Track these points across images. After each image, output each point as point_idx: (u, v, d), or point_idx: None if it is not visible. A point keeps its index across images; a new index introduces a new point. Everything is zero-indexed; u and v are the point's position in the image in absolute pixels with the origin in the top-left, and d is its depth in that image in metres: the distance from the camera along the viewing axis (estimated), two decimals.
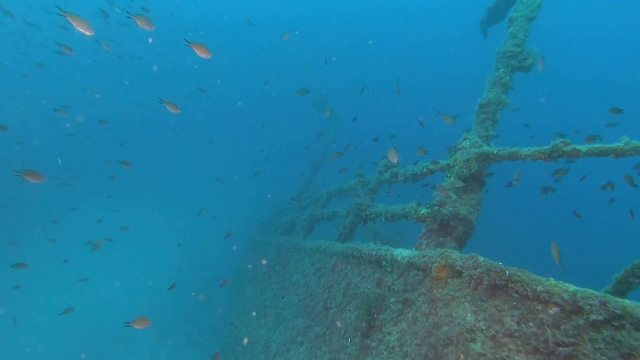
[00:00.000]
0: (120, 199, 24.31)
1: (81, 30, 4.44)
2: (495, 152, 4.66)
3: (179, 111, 5.54)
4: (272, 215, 15.41)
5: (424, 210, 5.08)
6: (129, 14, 4.98)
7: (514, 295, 3.06)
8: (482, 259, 3.52)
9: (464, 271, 3.56)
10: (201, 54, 4.82)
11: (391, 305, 4.27)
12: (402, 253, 4.56)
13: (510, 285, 3.11)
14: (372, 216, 6.60)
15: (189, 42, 4.67)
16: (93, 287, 18.47)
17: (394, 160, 5.54)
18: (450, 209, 4.80)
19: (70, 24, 4.32)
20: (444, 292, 3.68)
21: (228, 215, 25.95)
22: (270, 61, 46.26)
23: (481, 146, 5.08)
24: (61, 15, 4.17)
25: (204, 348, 16.62)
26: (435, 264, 3.86)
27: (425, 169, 5.88)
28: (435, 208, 4.72)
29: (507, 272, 3.18)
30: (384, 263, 4.79)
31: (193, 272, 22.24)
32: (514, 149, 4.50)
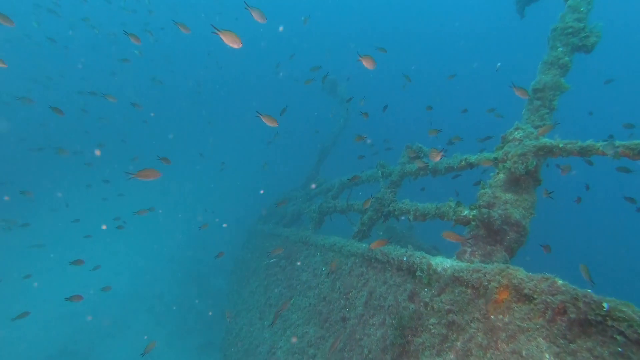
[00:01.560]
0: (125, 182, 23.58)
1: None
2: (561, 145, 3.85)
3: (277, 124, 5.22)
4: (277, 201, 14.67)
5: (466, 212, 4.30)
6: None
7: (618, 338, 2.31)
8: (561, 282, 2.75)
9: (535, 296, 2.80)
10: (231, 43, 4.40)
11: (431, 327, 3.53)
12: (444, 263, 3.80)
13: (610, 323, 2.35)
14: (396, 213, 5.83)
15: (217, 30, 4.25)
16: (89, 269, 17.89)
17: (436, 159, 4.72)
18: (500, 211, 4.02)
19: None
20: (507, 321, 2.93)
21: (229, 201, 25.33)
22: (286, 46, 44.83)
23: (537, 138, 4.27)
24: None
25: (201, 334, 16.15)
26: (494, 283, 3.10)
27: (463, 162, 5.08)
28: (485, 211, 3.94)
29: (604, 304, 2.41)
30: (419, 273, 4.03)
31: (192, 257, 21.71)
32: (588, 142, 3.69)
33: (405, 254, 4.43)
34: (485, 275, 3.19)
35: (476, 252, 3.96)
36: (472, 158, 4.90)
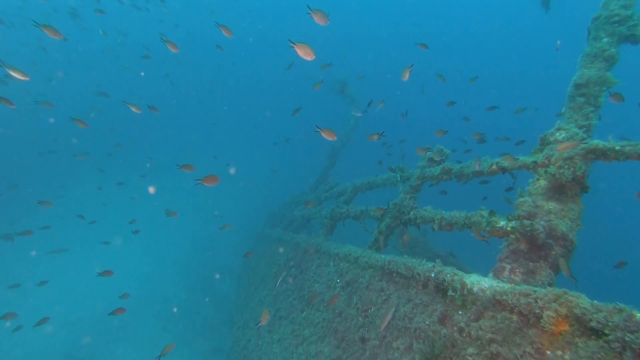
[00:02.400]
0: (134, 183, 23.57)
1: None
2: (617, 148, 3.35)
3: (336, 138, 5.27)
4: (285, 205, 14.23)
5: (503, 223, 3.81)
6: (309, 9, 4.78)
7: None
8: None
9: (607, 332, 2.31)
10: (304, 56, 4.61)
11: (469, 358, 3.06)
12: (481, 283, 3.33)
13: None
14: (417, 221, 5.35)
15: (293, 43, 4.45)
16: (92, 271, 17.65)
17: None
18: (543, 223, 3.53)
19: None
20: (568, 359, 2.45)
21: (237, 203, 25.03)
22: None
23: (583, 139, 3.77)
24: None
25: (209, 340, 15.82)
26: (549, 312, 2.61)
27: (494, 167, 4.59)
28: (527, 222, 3.45)
29: None
30: (450, 292, 3.56)
31: (199, 259, 21.43)
32: None
33: (433, 269, 3.95)
34: (537, 301, 2.71)
35: (517, 270, 3.47)
36: (506, 162, 4.41)
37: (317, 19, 4.80)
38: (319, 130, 5.05)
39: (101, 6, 14.10)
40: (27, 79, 5.22)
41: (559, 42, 5.49)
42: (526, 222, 3.46)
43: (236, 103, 46.02)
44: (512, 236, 3.63)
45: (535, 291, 2.79)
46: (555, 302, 2.62)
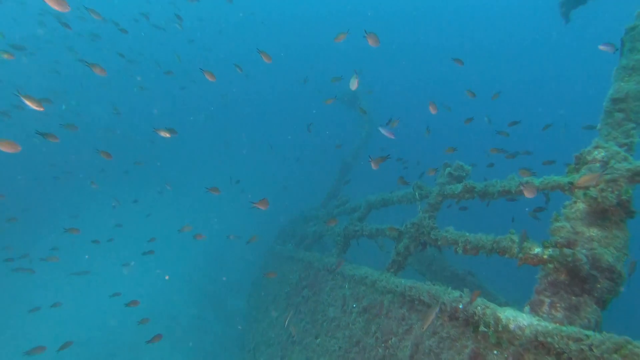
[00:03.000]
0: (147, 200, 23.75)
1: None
2: None
3: (377, 167, 5.55)
4: (295, 221, 13.96)
5: (538, 250, 3.48)
6: (365, 32, 5.28)
7: None
8: None
9: None
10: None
11: None
12: (518, 319, 2.99)
13: None
14: (438, 243, 5.03)
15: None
16: (103, 290, 17.52)
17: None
18: (585, 252, 3.20)
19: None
20: None
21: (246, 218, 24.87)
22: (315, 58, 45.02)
23: (625, 158, 3.45)
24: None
25: (218, 358, 15.44)
26: None
27: (523, 187, 4.27)
28: (569, 252, 3.12)
29: None
30: (483, 328, 3.23)
31: (209, 275, 21.20)
32: None
33: (461, 300, 3.63)
34: (592, 349, 2.37)
35: (558, 304, 3.13)
36: (537, 181, 4.10)
37: (371, 42, 5.22)
38: (372, 161, 5.32)
39: (122, 26, 14.32)
40: (42, 109, 5.20)
41: (610, 44, 5.22)
42: (567, 251, 3.13)
43: (250, 118, 46.43)
44: (551, 265, 3.30)
45: (588, 336, 2.45)
46: (616, 353, 2.28)
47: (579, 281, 3.16)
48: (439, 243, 5.03)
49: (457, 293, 3.79)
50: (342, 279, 6.36)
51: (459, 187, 5.33)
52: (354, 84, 5.27)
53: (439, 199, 5.64)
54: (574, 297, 3.12)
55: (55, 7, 4.49)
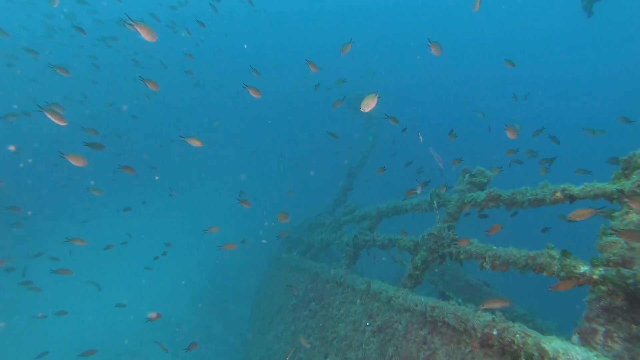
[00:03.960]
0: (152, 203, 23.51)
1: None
2: None
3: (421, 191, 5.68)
4: (301, 227, 13.51)
5: (585, 269, 3.02)
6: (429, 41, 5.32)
7: None
8: None
9: None
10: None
11: None
12: (569, 352, 2.53)
13: None
14: (461, 256, 4.57)
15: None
16: (105, 296, 17.15)
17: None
18: None
19: None
20: None
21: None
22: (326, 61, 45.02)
23: None
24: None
25: None
26: None
27: (559, 194, 3.83)
28: (628, 272, 2.66)
29: None
30: None
31: (212, 281, 20.80)
32: None
33: (495, 325, 3.17)
34: None
35: (615, 334, 2.67)
36: (576, 189, 3.65)
37: (434, 51, 5.21)
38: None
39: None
40: (65, 124, 5.19)
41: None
42: (626, 271, 2.67)
43: (260, 120, 46.25)
44: (604, 288, 2.84)
45: None
46: None
47: (638, 306, 2.70)
48: (462, 257, 4.57)
49: (488, 316, 3.34)
50: (352, 293, 5.92)
51: (482, 194, 4.88)
52: (369, 104, 4.73)
53: (458, 208, 5.20)
54: (634, 326, 2.65)
55: (146, 38, 4.62)
